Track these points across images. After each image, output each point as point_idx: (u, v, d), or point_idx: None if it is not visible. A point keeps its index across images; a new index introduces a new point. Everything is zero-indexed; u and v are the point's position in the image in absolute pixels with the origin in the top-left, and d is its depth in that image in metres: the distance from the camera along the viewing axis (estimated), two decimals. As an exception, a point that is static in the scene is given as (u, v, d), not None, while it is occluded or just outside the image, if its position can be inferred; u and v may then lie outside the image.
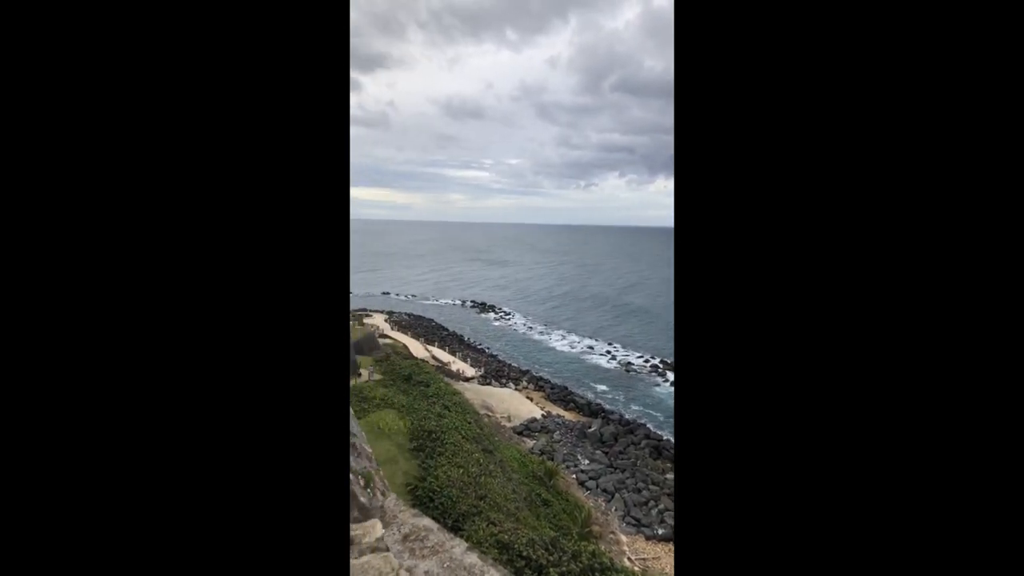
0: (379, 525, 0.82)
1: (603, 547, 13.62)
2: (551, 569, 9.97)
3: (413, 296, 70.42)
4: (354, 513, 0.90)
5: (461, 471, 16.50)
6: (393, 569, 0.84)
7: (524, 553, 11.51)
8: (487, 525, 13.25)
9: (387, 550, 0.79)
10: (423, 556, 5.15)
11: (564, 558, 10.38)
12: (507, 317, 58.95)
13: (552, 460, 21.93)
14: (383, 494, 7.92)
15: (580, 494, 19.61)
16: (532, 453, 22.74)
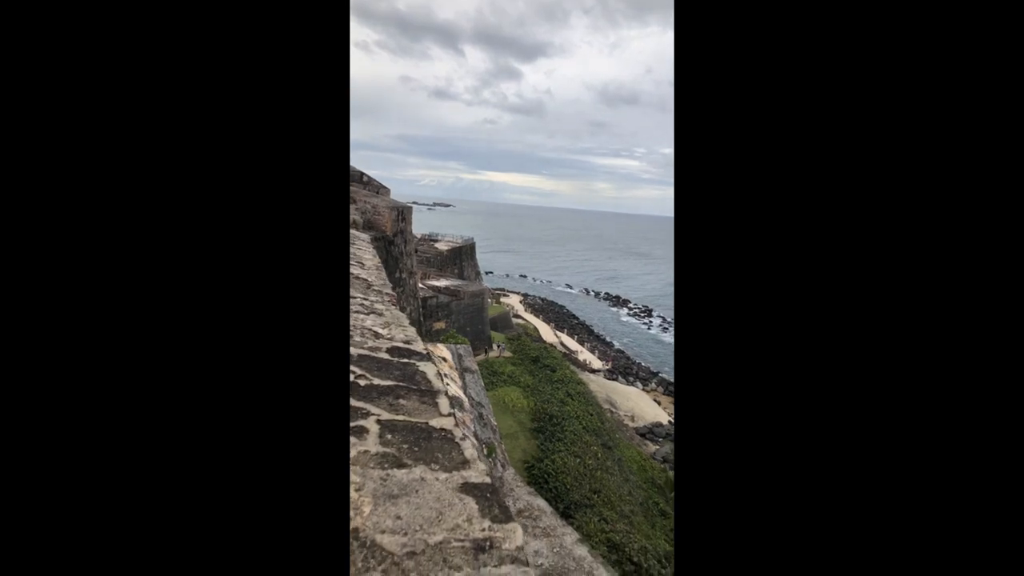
0: (519, 531, 0.76)
1: None
2: (662, 584, 9.39)
3: (549, 281, 71.85)
4: (494, 511, 0.87)
5: (578, 460, 16.53)
6: (532, 587, 0.78)
7: (635, 559, 11.06)
8: (599, 520, 13.08)
9: (527, 564, 0.74)
10: (534, 535, 5.22)
11: None
12: (641, 314, 56.60)
13: (675, 470, 20.60)
14: (503, 467, 8.23)
15: (703, 514, 18.08)
16: (654, 459, 21.68)
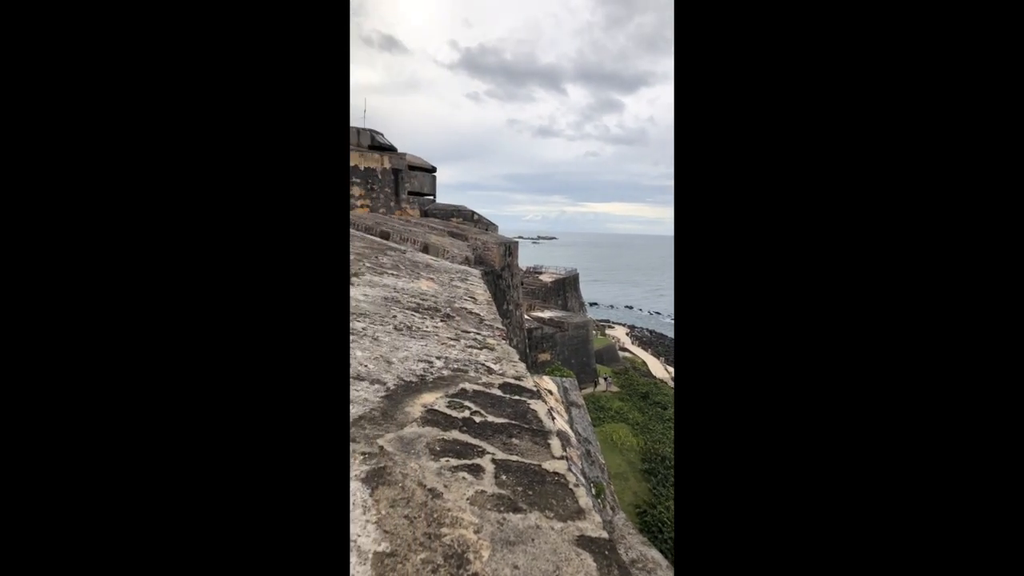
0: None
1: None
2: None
3: (656, 313, 68.35)
4: (614, 573, 0.82)
5: (695, 510, 14.91)
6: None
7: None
8: (722, 583, 11.58)
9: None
10: (648, 591, 4.79)
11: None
12: (766, 348, 50.69)
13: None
14: (613, 510, 7.77)
15: None
16: (788, 516, 18.79)
